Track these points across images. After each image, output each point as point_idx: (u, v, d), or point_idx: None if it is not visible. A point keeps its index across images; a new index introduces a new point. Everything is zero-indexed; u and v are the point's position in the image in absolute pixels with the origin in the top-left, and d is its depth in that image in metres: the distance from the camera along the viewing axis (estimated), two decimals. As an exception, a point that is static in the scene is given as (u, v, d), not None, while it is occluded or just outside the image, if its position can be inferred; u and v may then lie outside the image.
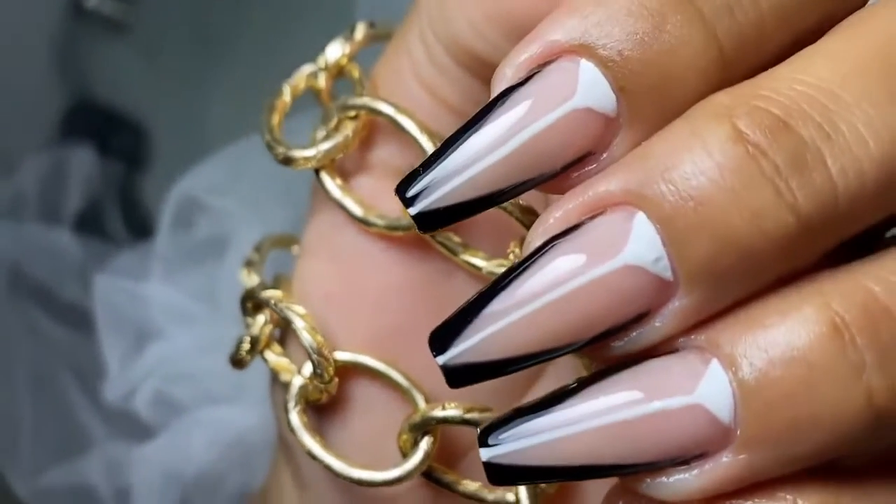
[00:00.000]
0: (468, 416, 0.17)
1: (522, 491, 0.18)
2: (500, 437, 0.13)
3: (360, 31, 0.19)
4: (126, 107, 0.52)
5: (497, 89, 0.14)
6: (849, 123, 0.12)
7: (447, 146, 0.13)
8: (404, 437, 0.18)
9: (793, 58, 0.13)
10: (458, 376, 0.13)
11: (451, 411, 0.17)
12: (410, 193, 0.13)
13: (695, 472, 0.13)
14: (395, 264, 0.19)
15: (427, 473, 0.18)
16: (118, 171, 0.47)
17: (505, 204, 0.16)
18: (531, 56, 0.13)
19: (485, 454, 0.13)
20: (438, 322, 0.18)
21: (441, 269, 0.19)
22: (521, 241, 0.17)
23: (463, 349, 0.13)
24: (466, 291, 0.15)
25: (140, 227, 0.44)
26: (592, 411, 0.13)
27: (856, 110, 0.12)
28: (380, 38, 0.20)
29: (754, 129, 0.12)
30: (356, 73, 0.19)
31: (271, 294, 0.19)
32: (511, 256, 0.17)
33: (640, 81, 0.13)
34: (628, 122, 0.13)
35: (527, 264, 0.13)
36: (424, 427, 0.18)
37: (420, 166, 0.14)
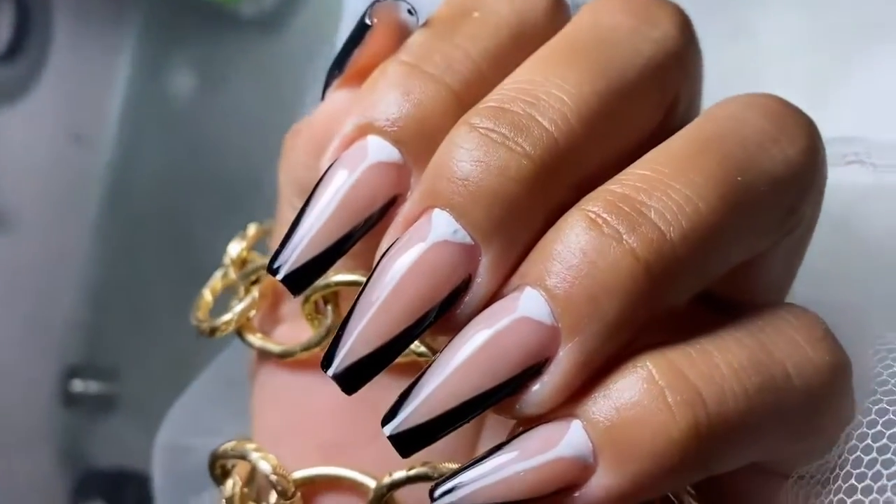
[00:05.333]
0: (412, 472, 0.20)
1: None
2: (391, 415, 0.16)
3: (252, 229, 0.24)
4: (129, 463, 0.56)
5: (320, 175, 0.18)
6: (545, 92, 0.17)
7: (292, 226, 0.18)
8: (369, 520, 0.20)
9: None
10: (345, 379, 0.16)
11: (396, 475, 0.20)
12: (275, 266, 0.17)
13: (547, 374, 0.15)
14: (322, 384, 0.22)
15: (401, 550, 0.20)
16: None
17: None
18: (335, 147, 0.18)
19: (387, 431, 0.16)
20: (372, 421, 0.21)
21: None
22: None
23: (342, 356, 0.16)
24: (390, 386, 0.18)
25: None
26: (448, 362, 0.16)
27: (547, 83, 0.17)
28: (268, 232, 0.25)
29: (481, 119, 0.17)
30: (257, 259, 0.24)
31: (226, 445, 0.22)
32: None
33: (407, 132, 0.18)
34: (413, 163, 0.18)
35: (368, 279, 0.17)
36: (380, 501, 0.20)
37: (279, 246, 0.18)
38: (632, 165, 0.16)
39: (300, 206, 0.22)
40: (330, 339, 0.21)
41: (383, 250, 0.17)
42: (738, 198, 0.16)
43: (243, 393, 0.30)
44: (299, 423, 0.22)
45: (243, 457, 0.21)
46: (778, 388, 0.15)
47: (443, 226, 0.16)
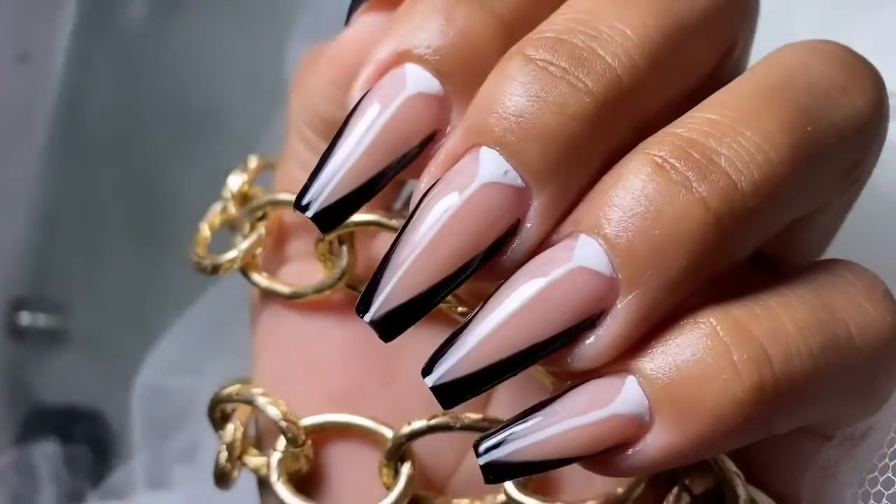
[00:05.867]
0: (433, 422, 0.19)
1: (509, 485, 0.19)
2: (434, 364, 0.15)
3: (253, 161, 0.23)
4: (80, 400, 0.54)
5: (350, 106, 0.17)
6: (607, 25, 0.15)
7: (322, 160, 0.16)
8: (385, 470, 0.19)
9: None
10: (382, 325, 0.15)
11: (416, 424, 0.19)
12: (304, 202, 0.16)
13: (602, 327, 0.15)
14: (333, 329, 0.21)
15: (415, 502, 0.19)
16: (85, 455, 0.48)
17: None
18: (368, 75, 0.17)
19: (430, 381, 0.15)
20: (385, 369, 0.21)
21: None
22: None
23: (381, 301, 0.15)
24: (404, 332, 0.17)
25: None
26: (498, 310, 0.15)
27: (608, 15, 0.16)
28: (269, 166, 0.23)
29: (538, 50, 0.15)
30: (260, 193, 0.22)
31: (230, 389, 0.20)
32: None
33: (451, 62, 0.16)
34: (455, 97, 0.16)
35: (408, 221, 0.15)
36: (398, 451, 0.19)
37: (307, 180, 0.16)
38: (695, 109, 0.16)
39: (315, 138, 0.20)
40: (344, 282, 0.20)
41: (423, 190, 0.16)
42: (808, 149, 0.15)
43: (231, 334, 0.29)
44: (307, 367, 0.21)
45: (250, 402, 0.20)
46: (840, 347, 0.15)
47: (492, 166, 0.15)
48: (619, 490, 0.19)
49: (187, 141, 0.52)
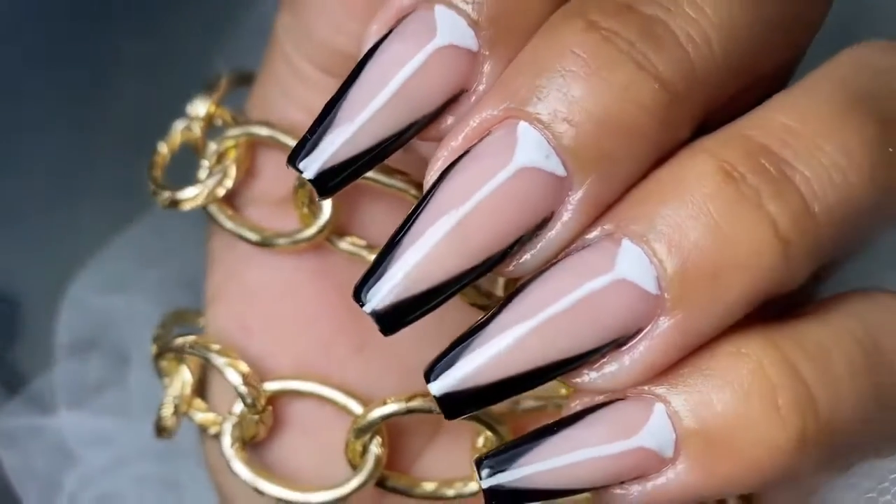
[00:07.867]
0: (412, 404, 0.17)
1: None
2: (441, 369, 0.13)
3: (223, 81, 0.20)
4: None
5: (366, 47, 0.14)
6: None
7: (329, 108, 0.14)
8: (352, 446, 0.18)
9: None
10: (387, 318, 0.13)
11: (394, 405, 0.17)
12: (301, 160, 0.14)
13: (638, 347, 0.13)
14: (306, 282, 0.19)
15: (380, 483, 0.18)
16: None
17: (401, 185, 0.17)
18: (391, 13, 0.14)
19: (435, 389, 0.13)
20: (358, 332, 0.18)
21: (354, 275, 0.19)
22: None
23: (387, 290, 0.13)
24: None
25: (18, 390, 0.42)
26: (522, 316, 0.13)
27: None
28: (243, 81, 0.20)
29: (603, 15, 0.13)
30: (228, 116, 0.20)
31: (184, 339, 0.18)
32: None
33: (490, 12, 0.14)
34: (490, 53, 0.14)
35: (425, 201, 0.13)
36: (370, 429, 0.17)
37: (307, 132, 0.14)
38: (766, 107, 0.14)
39: (309, 69, 0.18)
40: (324, 235, 0.18)
41: (448, 160, 0.14)
42: (887, 172, 0.13)
43: (179, 257, 0.26)
44: (271, 321, 0.18)
45: (205, 359, 0.18)
46: (887, 397, 0.14)
47: (532, 147, 0.13)
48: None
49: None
